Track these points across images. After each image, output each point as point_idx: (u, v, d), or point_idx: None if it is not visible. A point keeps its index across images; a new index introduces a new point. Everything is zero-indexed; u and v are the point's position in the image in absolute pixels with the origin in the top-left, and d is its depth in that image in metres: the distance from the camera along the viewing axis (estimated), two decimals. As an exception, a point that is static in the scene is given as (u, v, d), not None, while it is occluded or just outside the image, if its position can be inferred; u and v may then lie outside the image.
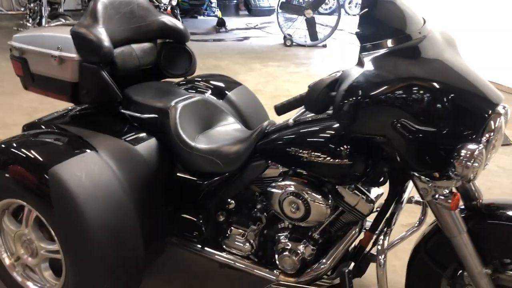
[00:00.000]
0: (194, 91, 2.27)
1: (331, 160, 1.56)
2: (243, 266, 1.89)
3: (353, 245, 1.78)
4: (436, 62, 1.39)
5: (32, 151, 1.70)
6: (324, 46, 7.76)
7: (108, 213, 1.65)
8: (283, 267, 1.78)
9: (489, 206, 1.53)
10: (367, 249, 1.75)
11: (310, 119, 1.70)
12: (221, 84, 2.39)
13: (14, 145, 1.76)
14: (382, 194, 1.74)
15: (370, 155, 1.55)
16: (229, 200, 1.91)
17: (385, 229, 1.57)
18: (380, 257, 1.49)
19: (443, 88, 1.30)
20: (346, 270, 1.62)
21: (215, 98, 2.26)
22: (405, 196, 1.65)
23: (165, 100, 1.97)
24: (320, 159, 1.58)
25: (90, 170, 1.67)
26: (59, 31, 2.01)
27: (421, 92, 1.29)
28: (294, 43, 7.80)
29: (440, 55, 1.41)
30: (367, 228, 1.74)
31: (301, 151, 1.62)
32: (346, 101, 1.33)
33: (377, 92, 1.30)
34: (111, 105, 1.97)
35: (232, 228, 1.92)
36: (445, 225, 1.47)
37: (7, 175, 1.71)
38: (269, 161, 1.79)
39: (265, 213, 1.88)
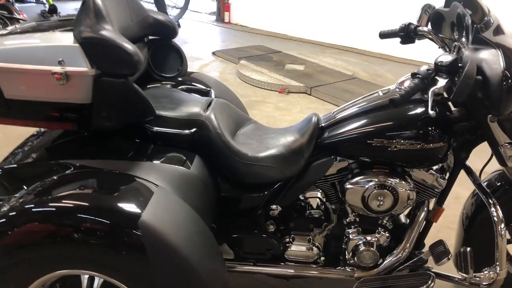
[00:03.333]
0: (196, 93, 1.97)
1: (422, 144, 1.55)
2: (315, 272, 1.78)
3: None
4: None
5: (102, 206, 1.28)
6: (178, 26, 7.49)
7: (200, 248, 1.37)
8: (361, 261, 1.73)
9: None
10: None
11: (370, 106, 1.65)
12: (204, 82, 2.13)
13: (66, 203, 1.29)
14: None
15: (451, 134, 1.58)
16: (283, 207, 1.75)
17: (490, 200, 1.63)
18: (499, 227, 1.56)
19: None
20: (442, 248, 1.66)
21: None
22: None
23: (191, 110, 1.67)
24: (409, 145, 1.56)
25: (169, 209, 1.34)
26: (41, 38, 1.51)
27: None
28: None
29: None
30: None
31: (384, 140, 1.57)
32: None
33: None
34: (141, 125, 1.58)
35: (293, 236, 1.78)
36: None
37: (72, 243, 1.26)
38: (334, 157, 1.69)
39: (329, 212, 1.79)
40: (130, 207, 1.27)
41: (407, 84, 1.46)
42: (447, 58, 1.43)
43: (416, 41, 1.88)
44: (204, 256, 1.36)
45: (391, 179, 1.61)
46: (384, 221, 1.75)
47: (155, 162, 1.52)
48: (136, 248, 1.24)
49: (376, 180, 1.61)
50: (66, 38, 1.47)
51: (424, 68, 1.46)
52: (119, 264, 1.29)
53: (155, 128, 1.60)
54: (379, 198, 1.62)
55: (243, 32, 7.56)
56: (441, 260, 1.64)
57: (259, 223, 1.77)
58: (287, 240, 1.78)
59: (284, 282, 1.84)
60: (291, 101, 4.36)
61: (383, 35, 1.97)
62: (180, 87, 2.00)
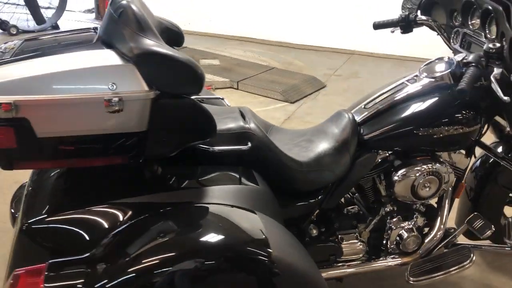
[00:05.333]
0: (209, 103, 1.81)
1: (463, 128, 1.64)
2: (366, 267, 1.80)
3: None
4: None
5: (228, 246, 1.13)
6: (55, 27, 6.78)
7: (311, 263, 1.30)
8: (406, 248, 1.79)
9: None
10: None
11: (406, 96, 1.69)
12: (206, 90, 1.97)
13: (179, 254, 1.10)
14: None
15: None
16: (323, 210, 1.72)
17: None
18: None
19: None
20: (482, 222, 1.78)
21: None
22: None
23: (233, 122, 1.54)
24: (453, 131, 1.64)
25: (276, 233, 1.23)
26: (70, 61, 1.23)
27: None
28: (20, 30, 6.49)
29: None
30: None
31: (431, 129, 1.63)
32: None
33: None
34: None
35: (340, 236, 1.76)
36: None
37: None
38: (375, 151, 1.70)
39: (369, 206, 1.80)
40: (251, 240, 1.13)
41: (446, 70, 1.60)
42: (494, 45, 1.51)
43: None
44: (317, 272, 1.28)
45: (436, 165, 1.68)
46: (418, 206, 1.82)
47: (225, 185, 1.37)
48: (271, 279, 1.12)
49: (425, 168, 1.66)
50: (106, 57, 1.23)
51: (474, 56, 1.53)
52: None
53: (212, 148, 1.43)
54: (426, 184, 1.68)
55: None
56: (485, 232, 1.77)
57: (302, 229, 1.72)
58: (334, 241, 1.75)
59: (337, 283, 1.81)
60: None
61: (379, 26, 2.02)
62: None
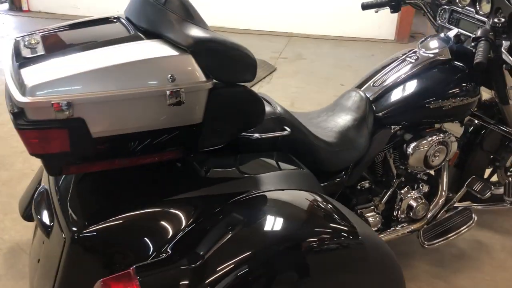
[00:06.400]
0: None
1: (467, 99, 1.77)
2: (384, 238, 1.87)
3: None
4: None
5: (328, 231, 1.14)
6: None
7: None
8: (416, 215, 1.91)
9: None
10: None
11: (413, 71, 1.78)
12: None
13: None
14: None
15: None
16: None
17: None
18: None
19: None
20: (482, 183, 1.94)
21: None
22: None
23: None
24: (459, 102, 1.76)
25: (345, 211, 1.26)
26: (115, 53, 1.14)
27: None
28: None
29: None
30: None
31: (440, 101, 1.74)
32: None
33: None
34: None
35: (359, 211, 1.83)
36: None
37: None
38: (390, 127, 1.78)
39: (381, 179, 1.88)
40: (336, 221, 1.15)
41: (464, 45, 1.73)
42: (500, 20, 1.64)
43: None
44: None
45: (443, 135, 1.80)
46: (421, 175, 1.94)
47: (277, 171, 1.36)
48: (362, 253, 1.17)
49: (435, 139, 1.77)
50: (159, 48, 1.16)
51: (482, 31, 1.63)
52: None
53: (254, 135, 1.41)
54: (436, 154, 1.80)
55: (49, 21, 6.60)
56: (486, 193, 1.93)
57: None
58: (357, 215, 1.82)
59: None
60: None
61: (367, 6, 2.09)
62: None
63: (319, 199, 1.25)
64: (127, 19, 1.35)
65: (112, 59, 1.11)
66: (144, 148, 1.18)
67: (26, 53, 1.16)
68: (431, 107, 1.74)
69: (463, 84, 1.77)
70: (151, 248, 1.13)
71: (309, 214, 1.19)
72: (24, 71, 1.08)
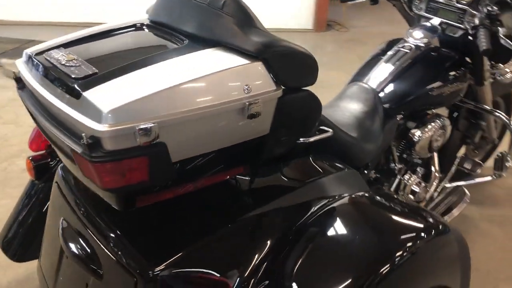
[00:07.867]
0: None
1: (462, 83, 1.89)
2: None
3: None
4: None
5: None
6: None
7: None
8: (418, 198, 1.99)
9: None
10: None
11: (412, 61, 1.84)
12: None
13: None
14: None
15: None
16: None
17: None
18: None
19: None
20: (472, 162, 2.08)
21: None
22: None
23: None
24: (455, 87, 1.87)
25: None
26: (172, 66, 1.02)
27: None
28: None
29: None
30: None
31: (438, 89, 1.83)
32: None
33: None
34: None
35: None
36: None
37: None
38: (396, 116, 1.84)
39: (384, 166, 1.94)
40: (429, 217, 1.15)
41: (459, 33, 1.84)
42: (493, 8, 1.75)
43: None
44: None
45: (442, 120, 1.90)
46: (417, 159, 2.03)
47: (331, 174, 1.33)
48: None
49: (437, 124, 1.86)
50: (228, 57, 1.07)
51: (480, 19, 1.73)
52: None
53: (310, 139, 1.35)
54: (437, 139, 1.89)
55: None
56: (476, 169, 2.07)
57: None
58: None
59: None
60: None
61: None
62: None
63: (386, 197, 1.25)
64: (155, 22, 1.23)
65: (187, 74, 0.99)
66: (215, 166, 1.09)
67: (70, 72, 0.99)
68: (434, 94, 1.82)
69: (458, 71, 1.88)
70: (238, 278, 1.04)
71: (394, 217, 1.18)
72: (90, 94, 0.92)
